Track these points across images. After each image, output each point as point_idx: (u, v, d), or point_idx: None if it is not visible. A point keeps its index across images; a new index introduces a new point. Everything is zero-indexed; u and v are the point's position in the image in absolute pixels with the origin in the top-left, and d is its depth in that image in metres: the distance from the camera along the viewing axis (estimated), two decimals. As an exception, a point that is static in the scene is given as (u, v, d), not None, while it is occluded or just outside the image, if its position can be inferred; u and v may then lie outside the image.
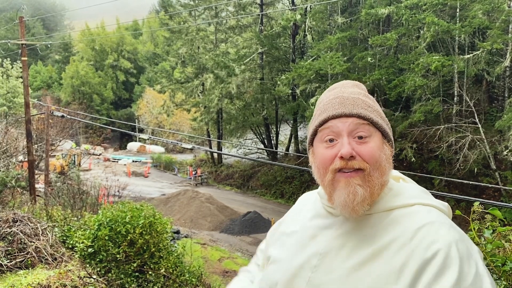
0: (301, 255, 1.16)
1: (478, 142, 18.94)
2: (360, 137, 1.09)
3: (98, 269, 5.83)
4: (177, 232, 18.34)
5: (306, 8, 27.18)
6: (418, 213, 1.07)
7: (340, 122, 1.10)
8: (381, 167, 1.08)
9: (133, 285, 5.77)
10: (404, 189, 1.15)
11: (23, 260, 5.64)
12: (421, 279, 0.96)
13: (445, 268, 0.95)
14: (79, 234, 6.48)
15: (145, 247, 6.06)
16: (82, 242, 6.05)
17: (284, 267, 1.18)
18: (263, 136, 33.54)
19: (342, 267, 1.06)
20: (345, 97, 1.15)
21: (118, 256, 5.85)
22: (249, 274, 1.46)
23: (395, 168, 1.24)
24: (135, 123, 50.43)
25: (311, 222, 1.21)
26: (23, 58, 15.95)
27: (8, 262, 5.48)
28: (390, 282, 0.98)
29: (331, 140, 1.11)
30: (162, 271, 6.09)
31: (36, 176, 17.34)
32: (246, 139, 34.95)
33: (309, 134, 1.20)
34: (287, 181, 27.09)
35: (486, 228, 2.01)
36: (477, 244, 1.96)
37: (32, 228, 6.12)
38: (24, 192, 15.48)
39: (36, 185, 16.80)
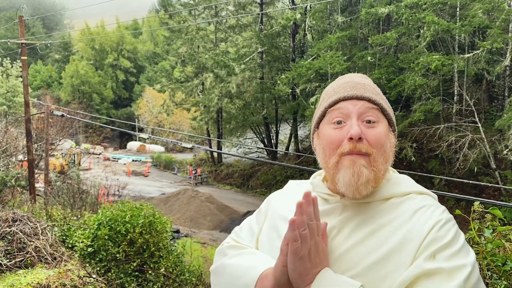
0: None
1: (478, 141, 18.93)
2: (369, 121, 1.10)
3: (98, 268, 5.83)
4: (177, 231, 18.33)
5: (306, 7, 27.16)
6: (415, 199, 1.11)
7: (351, 104, 1.11)
8: (386, 153, 1.10)
9: (132, 285, 5.77)
10: (401, 179, 1.18)
11: (22, 260, 5.63)
12: (425, 249, 1.00)
13: (445, 237, 1.01)
14: (78, 234, 6.48)
15: (145, 247, 6.06)
16: (82, 242, 6.06)
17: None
18: (263, 135, 33.53)
19: (342, 246, 1.07)
20: (356, 82, 1.17)
21: (117, 255, 5.85)
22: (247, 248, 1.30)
23: (395, 167, 1.24)
24: (135, 122, 50.42)
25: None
26: (22, 57, 15.95)
27: (7, 262, 5.48)
28: (392, 256, 1.01)
29: (339, 122, 1.11)
30: (162, 270, 6.09)
31: (36, 176, 17.34)
32: (246, 139, 34.94)
33: (316, 116, 1.20)
34: (287, 180, 26.35)
35: (486, 227, 2.01)
36: (477, 244, 1.96)
37: (31, 228, 6.11)
38: (24, 191, 15.48)
39: (36, 185, 16.80)
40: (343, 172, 1.07)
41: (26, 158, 17.75)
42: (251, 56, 29.39)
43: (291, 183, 1.42)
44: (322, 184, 1.21)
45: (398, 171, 1.26)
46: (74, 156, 33.69)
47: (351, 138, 1.06)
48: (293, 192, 1.31)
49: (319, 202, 1.13)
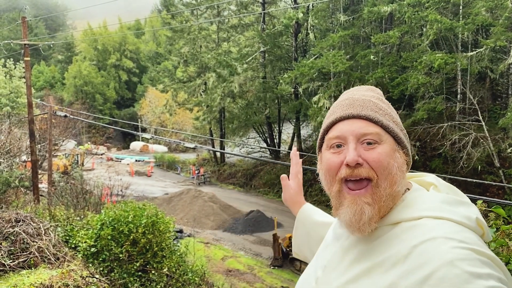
0: (314, 264, 1.17)
1: (482, 140, 18.86)
2: (369, 143, 1.01)
3: (101, 268, 5.83)
4: (180, 231, 18.36)
5: (308, 7, 27.13)
6: (421, 227, 0.94)
7: (348, 125, 1.04)
8: (390, 176, 1.00)
9: (136, 285, 5.77)
10: (417, 199, 1.03)
11: (25, 260, 5.64)
12: None
13: None
14: (81, 234, 6.49)
15: (147, 247, 6.06)
16: (85, 242, 6.06)
17: (303, 275, 1.20)
18: (266, 135, 33.52)
19: (337, 281, 1.02)
20: (355, 99, 1.08)
21: (120, 255, 5.85)
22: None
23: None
24: (137, 122, 50.51)
25: (332, 231, 1.20)
26: (26, 58, 15.98)
27: (11, 262, 5.49)
28: None
29: (338, 146, 1.05)
30: (165, 270, 6.09)
31: (39, 176, 17.38)
32: (248, 138, 34.96)
33: (318, 139, 1.15)
34: (290, 180, 27.05)
35: (489, 226, 1.99)
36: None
37: (34, 228, 6.12)
38: (27, 192, 15.53)
39: (39, 185, 16.84)
40: (344, 210, 1.02)
41: (29, 159, 17.80)
42: (253, 56, 29.38)
43: None
44: None
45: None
46: (77, 157, 33.78)
47: (347, 165, 1.00)
48: None
49: (339, 224, 1.11)
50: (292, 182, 1.58)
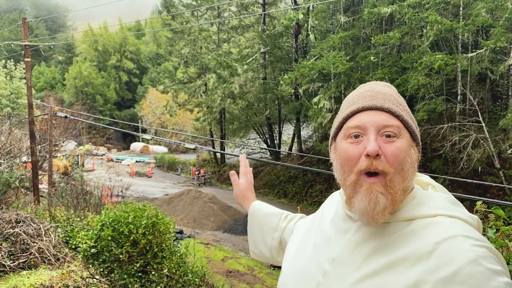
0: (315, 258, 1.12)
1: (482, 141, 18.86)
2: (388, 136, 1.02)
3: (101, 269, 5.83)
4: (180, 232, 18.35)
5: (308, 8, 27.15)
6: (439, 225, 0.98)
7: (369, 116, 1.04)
8: (404, 171, 1.02)
9: (136, 286, 5.77)
10: (429, 197, 1.07)
11: (26, 261, 5.64)
12: None
13: None
14: (82, 235, 6.49)
15: (148, 247, 6.06)
16: (85, 243, 6.06)
17: (296, 267, 1.16)
18: (266, 135, 33.53)
19: (354, 275, 1.01)
20: (377, 91, 1.09)
21: (121, 256, 5.85)
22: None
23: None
24: (138, 123, 50.53)
25: (330, 224, 1.17)
26: (26, 59, 15.99)
27: (11, 263, 5.49)
28: None
29: (356, 136, 1.04)
30: (165, 271, 6.09)
31: (39, 177, 17.39)
32: (249, 139, 34.95)
33: (334, 127, 1.13)
34: (290, 180, 27.08)
35: (489, 227, 2.00)
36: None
37: (35, 229, 6.13)
38: (27, 192, 15.52)
39: (40, 186, 16.84)
40: (360, 198, 1.02)
41: (29, 160, 17.80)
42: (253, 57, 29.41)
43: (331, 195, 1.38)
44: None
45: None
46: (78, 157, 33.80)
47: (368, 155, 1.00)
48: (328, 204, 1.33)
49: (342, 217, 1.13)
50: (242, 179, 1.70)
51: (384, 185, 1.00)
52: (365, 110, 1.06)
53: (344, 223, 1.12)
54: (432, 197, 1.07)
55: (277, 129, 33.05)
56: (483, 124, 19.07)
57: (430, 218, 1.01)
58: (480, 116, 19.35)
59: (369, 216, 1.01)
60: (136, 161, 41.73)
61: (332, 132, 1.15)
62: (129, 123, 42.28)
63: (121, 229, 5.94)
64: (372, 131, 1.02)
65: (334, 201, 1.26)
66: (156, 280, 5.95)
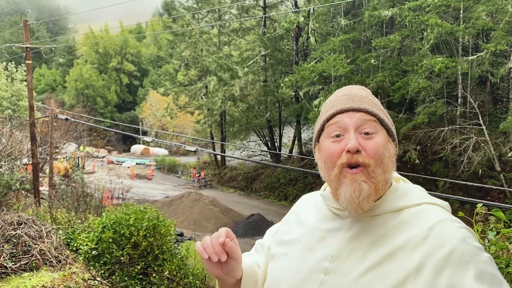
0: (310, 258, 1.15)
1: (483, 144, 18.87)
2: (367, 133, 1.11)
3: (102, 271, 5.84)
4: (181, 234, 18.34)
5: (309, 11, 27.20)
6: (428, 212, 1.09)
7: (348, 117, 1.13)
8: (383, 164, 1.10)
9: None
10: (409, 189, 1.17)
11: (27, 263, 5.65)
12: (441, 277, 0.98)
13: (464, 264, 0.98)
14: (83, 237, 6.50)
15: (149, 250, 6.07)
16: (86, 245, 6.07)
17: (293, 270, 1.17)
18: (267, 138, 33.54)
19: (357, 269, 1.06)
20: (353, 94, 1.18)
21: (122, 258, 5.86)
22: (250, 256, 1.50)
23: (399, 169, 1.24)
24: (138, 125, 50.59)
25: (317, 225, 1.21)
26: (27, 62, 16.03)
27: (12, 265, 5.50)
28: (408, 281, 0.99)
29: (337, 136, 1.13)
30: (166, 273, 6.09)
31: (40, 179, 17.40)
32: (249, 141, 34.96)
33: (316, 130, 1.22)
34: (290, 183, 27.07)
35: (490, 230, 2.01)
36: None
37: (36, 231, 6.14)
38: (28, 194, 15.52)
39: (40, 188, 16.85)
40: (345, 188, 1.09)
41: (30, 162, 17.82)
42: (254, 59, 29.44)
43: (303, 198, 1.44)
44: (332, 198, 1.19)
45: (401, 173, 1.25)
46: (78, 160, 33.81)
47: (348, 151, 1.09)
48: (303, 207, 1.37)
49: (329, 217, 1.19)
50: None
51: (366, 175, 1.09)
52: (343, 112, 1.14)
53: (333, 222, 1.18)
54: (411, 188, 1.18)
55: (278, 132, 33.06)
56: (484, 127, 19.08)
57: (416, 207, 1.11)
58: (480, 119, 19.37)
59: (355, 204, 1.08)
60: (137, 164, 41.74)
61: (314, 134, 1.23)
62: (129, 125, 42.38)
63: (122, 231, 5.95)
64: (352, 129, 1.11)
65: (310, 205, 1.32)
66: (157, 282, 5.96)
